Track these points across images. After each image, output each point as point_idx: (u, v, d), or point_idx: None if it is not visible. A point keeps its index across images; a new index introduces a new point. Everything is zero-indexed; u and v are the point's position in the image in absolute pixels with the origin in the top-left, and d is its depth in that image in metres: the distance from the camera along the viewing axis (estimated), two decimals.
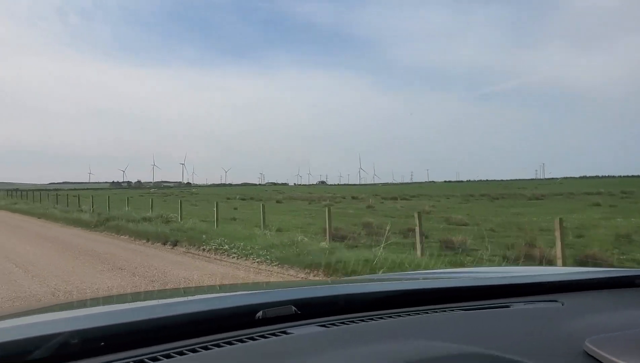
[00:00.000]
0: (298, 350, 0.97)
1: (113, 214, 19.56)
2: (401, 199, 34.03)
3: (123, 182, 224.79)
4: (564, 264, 7.55)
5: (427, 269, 7.09)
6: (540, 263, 8.36)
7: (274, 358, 0.94)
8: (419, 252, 9.46)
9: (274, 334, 1.06)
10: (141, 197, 40.53)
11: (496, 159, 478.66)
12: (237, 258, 10.49)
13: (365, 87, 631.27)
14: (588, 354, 0.96)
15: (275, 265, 9.46)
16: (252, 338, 1.03)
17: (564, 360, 0.97)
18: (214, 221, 15.65)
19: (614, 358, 0.90)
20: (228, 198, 42.09)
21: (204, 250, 11.71)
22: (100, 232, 16.70)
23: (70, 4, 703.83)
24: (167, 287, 7.38)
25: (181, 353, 0.94)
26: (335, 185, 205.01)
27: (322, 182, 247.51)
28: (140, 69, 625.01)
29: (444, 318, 1.27)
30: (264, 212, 14.44)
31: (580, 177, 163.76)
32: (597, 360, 0.94)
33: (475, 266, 7.74)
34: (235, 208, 26.75)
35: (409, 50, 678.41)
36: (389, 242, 9.99)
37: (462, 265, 8.30)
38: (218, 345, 0.98)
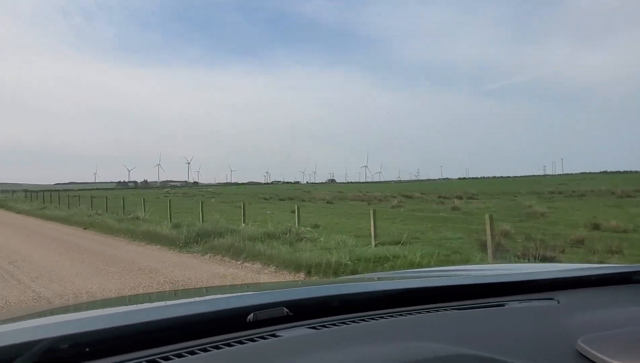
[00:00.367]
0: (287, 354, 0.95)
1: (204, 227, 14.03)
2: (467, 198, 30.95)
3: (129, 181, 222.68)
4: None
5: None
6: None
7: (262, 362, 0.91)
8: None
9: (262, 337, 1.04)
10: (166, 198, 37.90)
11: (505, 155, 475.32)
12: None
13: (368, 85, 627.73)
14: (581, 354, 0.95)
15: None
16: (241, 342, 1.01)
17: (558, 360, 0.96)
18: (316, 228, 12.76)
19: (606, 358, 0.89)
20: (265, 199, 39.33)
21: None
22: (206, 256, 11.36)
23: (72, 4, 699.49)
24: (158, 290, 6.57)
25: (166, 359, 0.91)
26: (342, 183, 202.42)
27: (332, 181, 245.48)
28: (141, 68, 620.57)
29: (437, 318, 1.25)
30: (374, 220, 11.62)
31: (601, 172, 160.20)
32: (590, 360, 0.93)
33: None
34: (293, 212, 23.89)
35: (413, 47, 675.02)
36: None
37: None
38: (205, 350, 0.96)
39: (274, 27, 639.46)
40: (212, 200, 37.96)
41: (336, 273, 8.54)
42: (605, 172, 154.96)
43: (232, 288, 2.44)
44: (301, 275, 9.05)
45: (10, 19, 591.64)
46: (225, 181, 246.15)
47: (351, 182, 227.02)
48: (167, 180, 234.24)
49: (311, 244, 11.40)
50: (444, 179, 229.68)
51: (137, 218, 18.82)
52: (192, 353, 0.93)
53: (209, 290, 2.83)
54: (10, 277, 8.94)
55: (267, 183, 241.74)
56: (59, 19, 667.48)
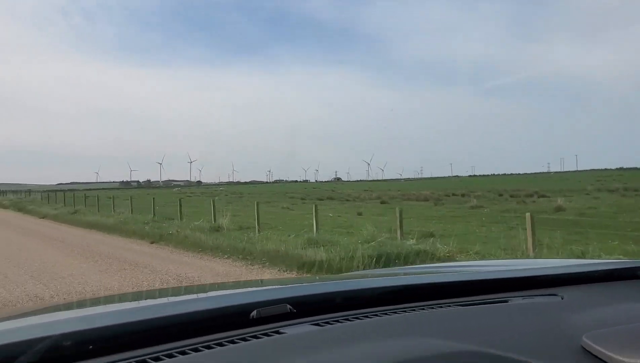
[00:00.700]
0: (290, 351, 0.95)
1: (322, 239, 10.48)
2: (539, 197, 28.55)
3: (132, 181, 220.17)
4: None
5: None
6: None
7: (265, 359, 0.91)
8: None
9: (266, 334, 1.03)
10: (189, 198, 35.12)
11: (507, 153, 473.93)
12: None
13: (369, 84, 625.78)
14: (586, 350, 0.94)
15: None
16: (244, 339, 1.00)
17: (562, 356, 0.95)
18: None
19: (611, 354, 0.88)
20: (302, 199, 36.92)
21: None
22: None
23: (72, 4, 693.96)
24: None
25: (170, 356, 0.91)
26: (347, 181, 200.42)
27: (338, 179, 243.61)
28: (141, 68, 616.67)
29: (440, 314, 1.24)
30: (533, 228, 9.44)
31: (604, 169, 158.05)
32: (595, 355, 0.92)
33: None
34: (360, 214, 21.42)
35: (414, 46, 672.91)
36: None
37: None
38: (209, 347, 0.95)
39: (275, 26, 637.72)
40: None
41: None
42: (621, 168, 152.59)
43: (235, 284, 2.42)
44: None
45: (10, 19, 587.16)
46: (227, 180, 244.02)
47: (355, 180, 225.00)
48: (169, 180, 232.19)
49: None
50: (454, 176, 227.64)
51: (220, 227, 14.27)
52: (196, 350, 0.93)
53: (212, 287, 2.70)
54: None
55: (270, 181, 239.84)
56: (59, 19, 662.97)
